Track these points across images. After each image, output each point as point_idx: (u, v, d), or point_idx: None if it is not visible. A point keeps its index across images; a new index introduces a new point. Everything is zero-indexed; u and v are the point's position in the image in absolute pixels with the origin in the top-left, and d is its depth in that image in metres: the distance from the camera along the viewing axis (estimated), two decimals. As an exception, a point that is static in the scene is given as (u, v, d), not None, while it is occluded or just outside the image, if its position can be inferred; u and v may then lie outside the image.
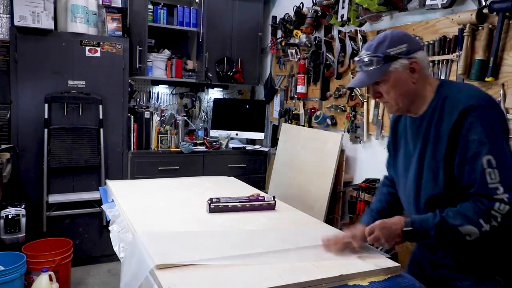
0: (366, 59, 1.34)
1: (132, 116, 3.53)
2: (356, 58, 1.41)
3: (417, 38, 1.37)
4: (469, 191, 1.22)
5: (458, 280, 1.32)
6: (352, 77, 2.87)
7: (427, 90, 1.35)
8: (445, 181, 1.28)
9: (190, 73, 3.98)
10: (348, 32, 2.88)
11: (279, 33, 3.82)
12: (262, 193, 2.21)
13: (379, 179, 2.67)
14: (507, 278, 1.27)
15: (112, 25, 3.46)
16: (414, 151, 1.38)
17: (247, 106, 4.13)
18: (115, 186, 2.37)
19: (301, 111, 3.47)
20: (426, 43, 2.31)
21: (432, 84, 1.35)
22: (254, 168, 3.93)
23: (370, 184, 2.64)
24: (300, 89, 3.41)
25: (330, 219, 2.93)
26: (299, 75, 3.42)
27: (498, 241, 1.26)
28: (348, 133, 2.94)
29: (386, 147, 1.60)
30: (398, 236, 1.30)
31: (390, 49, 1.31)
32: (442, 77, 2.24)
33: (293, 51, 3.51)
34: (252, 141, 4.22)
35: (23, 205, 2.96)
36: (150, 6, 3.66)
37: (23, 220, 2.89)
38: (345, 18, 2.81)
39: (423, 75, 1.33)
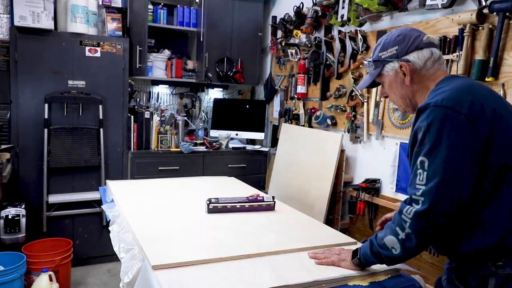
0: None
1: (132, 116, 3.53)
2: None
3: (421, 36, 1.30)
4: (408, 186, 1.21)
5: None
6: (352, 77, 2.88)
7: (429, 89, 1.29)
8: None
9: (190, 73, 3.98)
10: (348, 32, 2.88)
11: (279, 33, 3.82)
12: (261, 194, 2.21)
13: (379, 179, 2.67)
14: None
15: (112, 25, 3.46)
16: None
17: (247, 106, 4.13)
18: (115, 186, 2.37)
19: (301, 111, 3.47)
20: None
21: (437, 78, 1.29)
22: (254, 168, 3.93)
23: (370, 184, 2.64)
24: (300, 89, 3.41)
25: (330, 219, 2.93)
26: (299, 75, 3.42)
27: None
28: (348, 133, 2.94)
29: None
30: (348, 267, 1.37)
31: (382, 52, 1.34)
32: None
33: (293, 51, 3.51)
34: (252, 141, 4.22)
35: (23, 205, 2.96)
36: (150, 6, 3.66)
37: (23, 220, 2.89)
38: (345, 18, 2.81)
39: (419, 75, 1.30)
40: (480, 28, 2.03)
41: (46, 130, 3.15)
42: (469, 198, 1.13)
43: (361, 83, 1.48)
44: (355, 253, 1.36)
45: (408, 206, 1.15)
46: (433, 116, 1.13)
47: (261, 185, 3.84)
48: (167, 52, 3.90)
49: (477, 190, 1.13)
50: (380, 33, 2.67)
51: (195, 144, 3.82)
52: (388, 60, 1.32)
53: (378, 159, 2.71)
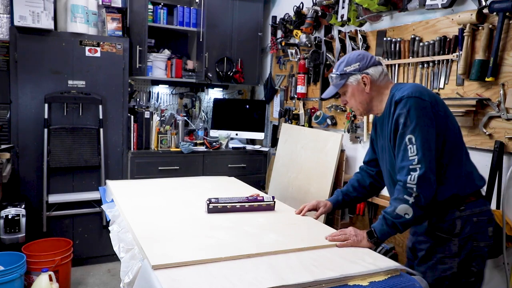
0: (332, 75, 1.73)
1: (132, 116, 3.53)
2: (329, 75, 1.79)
3: (374, 57, 1.70)
4: (397, 164, 1.53)
5: (423, 243, 1.63)
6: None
7: (383, 94, 1.67)
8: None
9: (190, 73, 3.98)
10: (348, 32, 2.88)
11: (279, 33, 3.82)
12: (261, 194, 2.21)
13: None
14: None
15: (112, 25, 3.46)
16: (384, 143, 1.70)
17: (247, 106, 4.13)
18: (115, 186, 2.37)
19: (301, 111, 3.47)
20: (426, 43, 2.31)
21: (388, 87, 1.67)
22: (254, 168, 3.93)
23: (370, 184, 2.63)
24: (300, 89, 3.41)
25: (330, 219, 2.93)
26: (299, 75, 3.42)
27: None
28: (348, 133, 2.94)
29: (370, 138, 1.93)
30: (367, 246, 1.57)
31: (346, 67, 1.68)
32: (442, 78, 2.25)
33: (293, 51, 3.51)
34: (252, 141, 4.22)
35: (23, 205, 2.96)
36: (150, 6, 3.66)
37: (23, 220, 2.89)
38: (345, 18, 2.81)
39: (376, 85, 1.67)
40: (480, 28, 2.03)
41: (46, 130, 3.15)
42: (438, 161, 1.51)
43: (325, 93, 1.79)
44: (370, 234, 1.56)
45: (409, 176, 1.46)
46: (409, 104, 1.50)
47: (261, 185, 3.84)
48: (167, 52, 3.90)
49: (441, 155, 1.53)
50: (380, 33, 2.67)
51: (195, 144, 3.82)
52: (352, 73, 1.67)
53: (378, 159, 2.71)
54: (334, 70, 1.73)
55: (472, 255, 1.55)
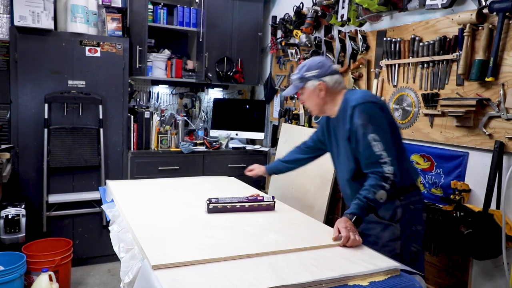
0: (292, 77, 1.95)
1: (132, 116, 3.53)
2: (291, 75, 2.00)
3: (332, 65, 1.91)
4: (364, 161, 1.72)
5: (372, 229, 1.84)
6: (352, 77, 2.88)
7: (337, 100, 1.89)
8: (354, 159, 1.80)
9: (190, 73, 3.98)
10: (348, 32, 2.88)
11: (279, 33, 3.82)
12: (261, 194, 2.21)
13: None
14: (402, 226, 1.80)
15: (112, 25, 3.46)
16: (338, 142, 1.92)
17: (247, 106, 4.13)
18: (115, 186, 2.37)
19: (301, 111, 3.47)
20: (426, 43, 2.31)
21: (342, 93, 1.89)
22: (254, 168, 3.92)
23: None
24: (300, 89, 3.40)
25: (330, 219, 2.93)
26: (299, 75, 3.41)
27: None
28: (348, 133, 2.94)
29: (319, 122, 2.17)
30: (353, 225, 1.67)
31: (306, 72, 1.89)
32: (442, 78, 2.25)
33: (293, 51, 3.51)
34: (252, 141, 4.22)
35: (23, 205, 2.96)
36: (150, 6, 3.66)
37: (23, 220, 2.89)
38: (345, 18, 2.81)
39: (330, 92, 1.88)
40: (480, 28, 2.03)
41: (46, 130, 3.15)
42: None
43: (286, 91, 2.02)
44: (359, 220, 1.66)
45: (384, 167, 1.66)
46: (365, 108, 1.73)
47: (261, 185, 3.84)
48: (167, 52, 3.90)
49: None
50: (380, 33, 2.67)
51: (195, 144, 3.82)
52: (311, 78, 1.87)
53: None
54: (296, 72, 1.94)
55: (411, 238, 1.81)
